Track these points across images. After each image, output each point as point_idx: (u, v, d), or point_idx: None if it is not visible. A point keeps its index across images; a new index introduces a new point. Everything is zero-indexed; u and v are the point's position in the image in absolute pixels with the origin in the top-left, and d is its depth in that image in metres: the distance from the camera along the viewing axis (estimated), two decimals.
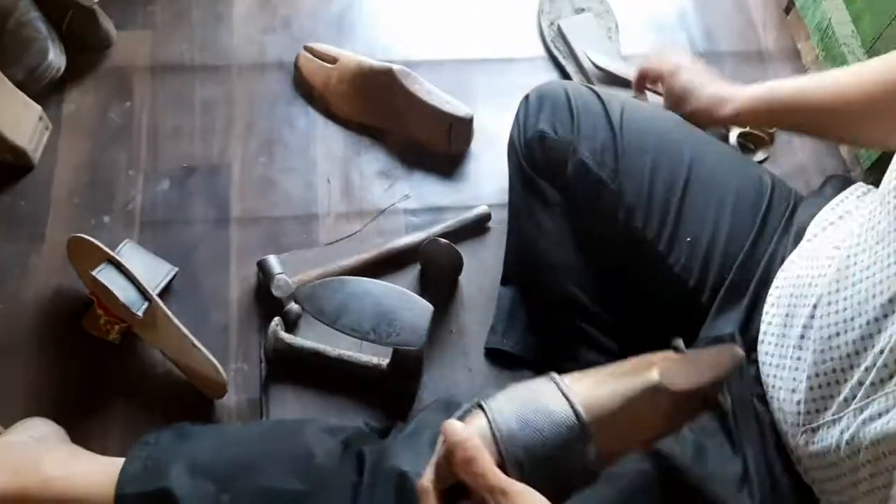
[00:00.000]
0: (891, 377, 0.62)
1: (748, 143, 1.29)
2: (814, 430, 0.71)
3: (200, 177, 1.22)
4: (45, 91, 1.23)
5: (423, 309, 0.90)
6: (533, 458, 0.56)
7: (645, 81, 1.15)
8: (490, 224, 1.20)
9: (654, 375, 0.58)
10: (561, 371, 1.05)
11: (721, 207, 0.92)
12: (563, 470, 0.57)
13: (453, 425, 0.58)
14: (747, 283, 0.85)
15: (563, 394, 0.58)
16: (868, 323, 0.65)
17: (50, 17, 1.23)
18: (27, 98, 1.18)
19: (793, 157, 1.31)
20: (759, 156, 1.29)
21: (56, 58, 1.23)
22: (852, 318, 0.67)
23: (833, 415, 0.68)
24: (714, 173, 0.96)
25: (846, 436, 0.66)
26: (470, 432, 0.58)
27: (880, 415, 0.62)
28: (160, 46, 1.32)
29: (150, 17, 1.35)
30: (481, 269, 1.17)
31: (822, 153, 1.31)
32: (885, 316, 0.64)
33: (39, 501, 0.89)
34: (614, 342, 1.02)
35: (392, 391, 1.03)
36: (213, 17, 1.36)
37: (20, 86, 1.17)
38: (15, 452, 0.93)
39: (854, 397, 0.66)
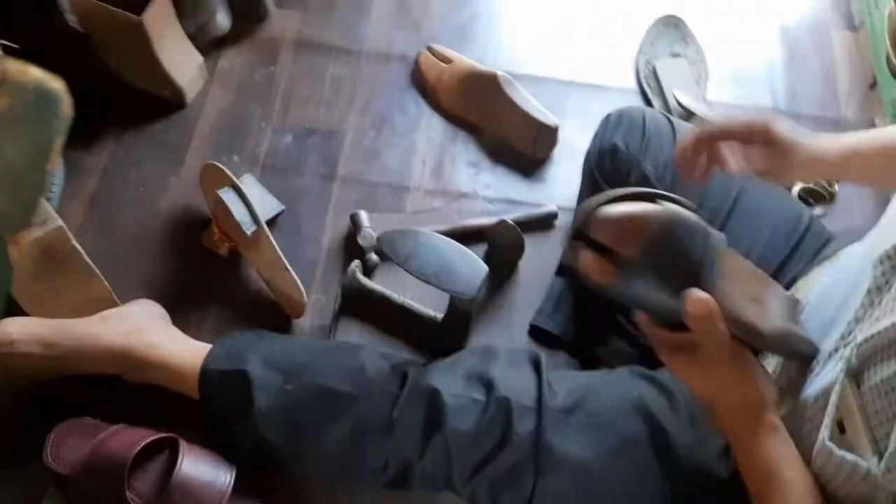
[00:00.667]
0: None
1: (808, 199, 1.39)
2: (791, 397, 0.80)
3: (318, 138, 1.42)
4: (208, 46, 1.47)
5: (479, 268, 1.06)
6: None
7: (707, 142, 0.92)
8: (556, 223, 1.35)
9: None
10: (590, 356, 1.19)
11: (759, 231, 1.03)
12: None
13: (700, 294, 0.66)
14: None
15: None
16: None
17: None
18: (193, 48, 1.42)
19: (849, 220, 1.39)
20: (818, 212, 1.38)
21: (222, 20, 1.46)
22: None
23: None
24: (758, 202, 1.07)
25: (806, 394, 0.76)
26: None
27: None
28: (307, 25, 1.55)
29: (303, 0, 1.58)
30: (540, 260, 1.31)
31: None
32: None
33: (138, 360, 1.07)
34: (645, 338, 1.14)
35: (441, 341, 1.18)
36: (356, 8, 1.58)
37: (190, 37, 1.41)
38: (130, 320, 1.13)
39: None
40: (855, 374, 0.66)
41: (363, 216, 1.31)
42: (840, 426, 0.66)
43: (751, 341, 0.69)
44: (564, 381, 0.97)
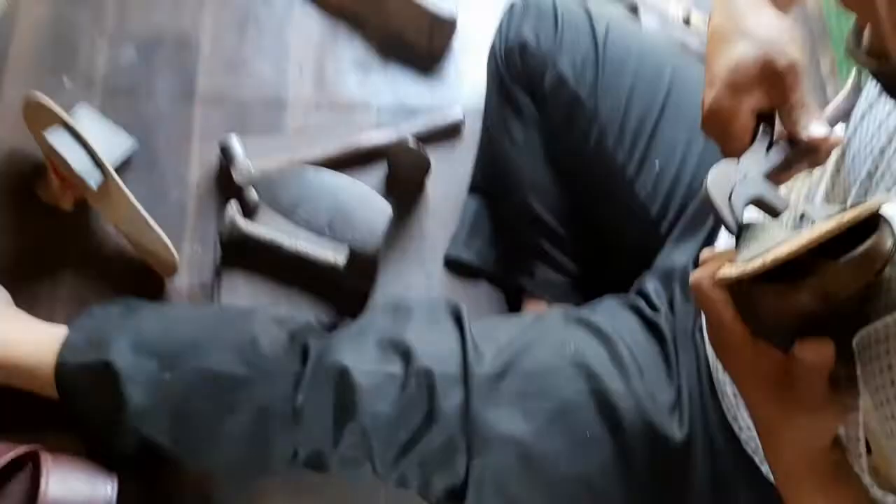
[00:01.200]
0: None
1: None
2: None
3: (168, 48, 1.17)
4: None
5: (381, 209, 0.89)
6: None
7: None
8: (463, 130, 1.18)
9: None
10: (516, 286, 1.06)
11: (693, 137, 0.90)
12: None
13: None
14: (706, 216, 0.84)
15: None
16: None
17: None
18: None
19: None
20: None
21: None
22: None
23: None
24: (692, 100, 0.93)
25: None
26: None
27: None
28: None
29: None
30: (450, 176, 1.15)
31: None
32: None
33: None
34: (573, 263, 1.02)
35: (346, 289, 1.02)
36: None
37: None
38: None
39: None
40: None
41: (235, 143, 1.09)
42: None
43: None
44: (491, 336, 0.84)
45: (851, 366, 0.47)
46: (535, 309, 1.03)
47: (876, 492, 0.53)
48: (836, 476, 0.53)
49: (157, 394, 0.84)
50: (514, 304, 1.08)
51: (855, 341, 0.47)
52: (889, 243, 0.44)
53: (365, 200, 0.89)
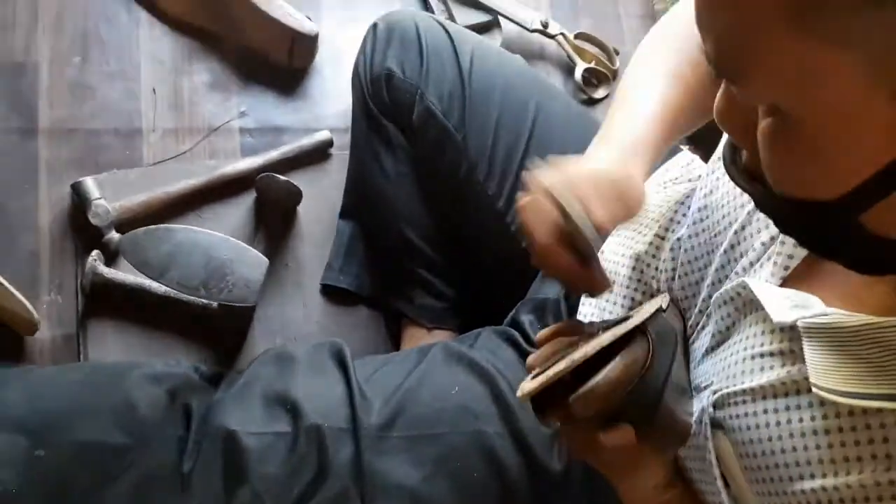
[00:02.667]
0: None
1: (592, 79, 1.31)
2: None
3: (1, 78, 1.07)
4: None
5: (257, 262, 0.87)
6: None
7: None
8: (332, 150, 1.16)
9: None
10: (394, 311, 1.07)
11: None
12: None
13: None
14: None
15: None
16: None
17: None
18: None
19: None
20: (601, 92, 1.31)
21: None
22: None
23: None
24: (558, 131, 0.97)
25: None
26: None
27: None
28: None
29: None
30: (321, 199, 1.13)
31: None
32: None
33: None
34: (450, 288, 1.04)
35: (222, 329, 1.00)
36: None
37: None
38: None
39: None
40: (718, 423, 0.60)
41: (89, 183, 1.02)
42: (725, 481, 0.60)
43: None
44: (378, 381, 0.85)
45: (655, 432, 0.58)
46: (414, 333, 1.05)
47: None
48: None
49: (30, 473, 0.79)
50: (392, 327, 1.10)
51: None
52: (638, 360, 0.56)
53: (239, 255, 0.86)
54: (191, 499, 0.80)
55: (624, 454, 0.62)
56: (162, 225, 0.87)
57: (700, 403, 0.62)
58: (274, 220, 1.08)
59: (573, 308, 0.86)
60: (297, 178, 1.09)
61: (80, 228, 1.03)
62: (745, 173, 0.48)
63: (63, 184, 1.04)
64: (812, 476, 0.52)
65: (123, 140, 1.09)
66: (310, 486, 0.79)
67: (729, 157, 0.50)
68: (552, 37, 1.28)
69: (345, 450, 0.79)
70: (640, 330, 0.58)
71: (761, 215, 0.61)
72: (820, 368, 0.50)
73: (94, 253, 0.98)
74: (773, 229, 0.59)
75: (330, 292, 1.10)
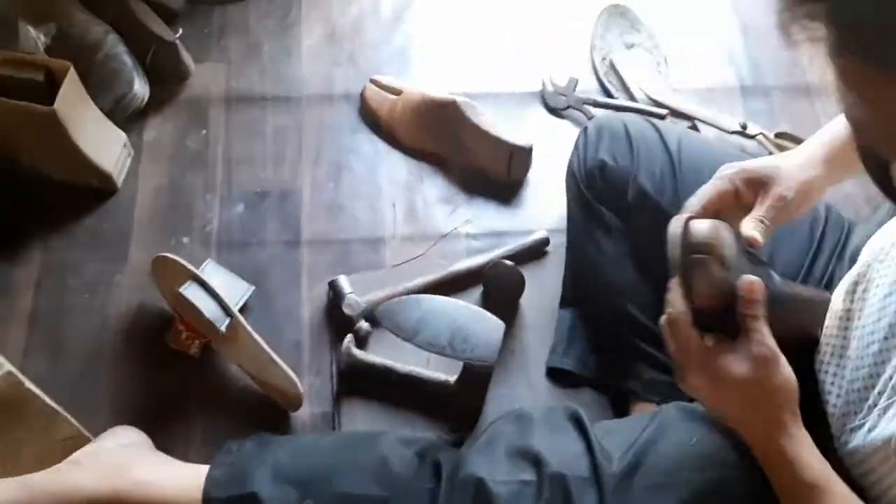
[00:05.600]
0: None
1: None
2: (851, 431, 0.74)
3: (273, 201, 1.29)
4: (130, 120, 1.31)
5: (495, 325, 0.95)
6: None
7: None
8: (548, 248, 1.25)
9: None
10: (623, 390, 1.10)
11: (778, 232, 0.96)
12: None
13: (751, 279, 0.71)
14: None
15: None
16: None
17: (134, 51, 1.31)
18: (113, 126, 1.26)
19: (840, 186, 1.34)
20: None
21: (140, 88, 1.31)
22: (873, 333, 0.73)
23: (862, 418, 0.73)
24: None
25: (871, 435, 0.70)
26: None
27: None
28: (234, 78, 1.40)
29: (223, 51, 1.43)
30: (540, 291, 1.21)
31: (868, 182, 1.34)
32: None
33: (131, 503, 0.94)
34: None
35: (459, 406, 1.07)
36: (282, 50, 1.44)
37: (108, 115, 1.25)
38: (106, 457, 0.99)
39: (876, 404, 0.71)
40: None
41: (342, 281, 1.18)
42: None
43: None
44: (614, 437, 0.87)
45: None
46: (643, 409, 1.06)
47: None
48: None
49: None
50: (619, 409, 1.11)
51: None
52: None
53: (479, 319, 0.95)
54: None
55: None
56: (412, 295, 0.98)
57: None
58: (500, 310, 1.17)
59: None
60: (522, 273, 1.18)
61: (334, 319, 1.17)
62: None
63: (321, 284, 1.20)
64: None
65: (369, 247, 1.25)
66: None
67: None
68: (752, 137, 1.33)
69: (589, 497, 0.81)
70: None
71: None
72: None
73: (348, 337, 1.12)
74: None
75: (555, 376, 1.15)
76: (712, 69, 1.47)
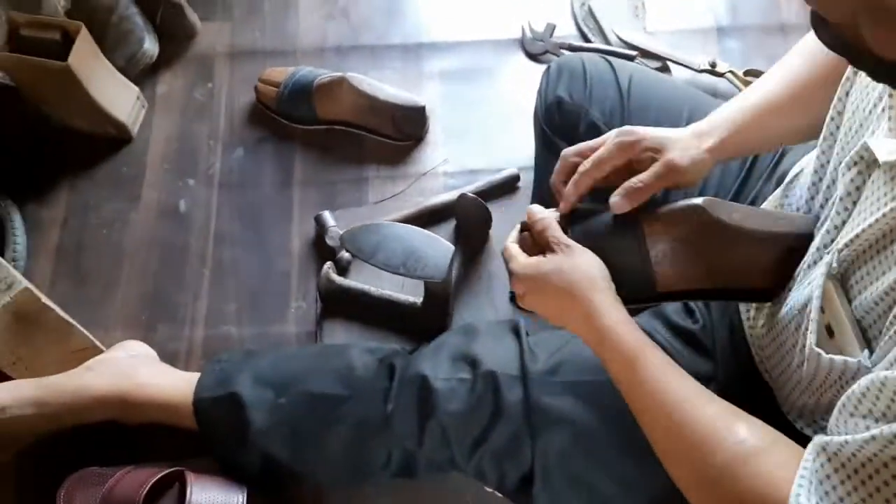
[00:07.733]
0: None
1: None
2: (771, 314, 0.80)
3: (270, 146, 1.41)
4: (142, 75, 1.45)
5: (445, 248, 1.06)
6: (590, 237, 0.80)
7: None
8: (519, 185, 1.35)
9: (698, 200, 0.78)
10: None
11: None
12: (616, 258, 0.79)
13: (535, 208, 0.86)
14: None
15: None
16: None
17: (145, 12, 1.45)
18: (127, 80, 1.40)
19: None
20: None
21: (150, 46, 1.44)
22: None
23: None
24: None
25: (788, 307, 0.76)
26: (546, 213, 0.84)
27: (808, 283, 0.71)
28: (237, 35, 1.53)
29: (228, 9, 1.56)
30: (511, 224, 1.29)
31: None
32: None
33: (131, 403, 1.08)
34: None
35: (426, 324, 1.19)
36: (283, 7, 1.55)
37: (121, 70, 1.39)
38: (115, 364, 1.13)
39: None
40: (841, 279, 0.65)
41: (327, 216, 1.30)
42: (829, 330, 0.65)
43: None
44: (545, 344, 0.97)
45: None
46: None
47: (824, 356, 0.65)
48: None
49: (274, 416, 1.02)
50: None
51: None
52: None
53: (431, 243, 1.06)
54: (392, 434, 0.97)
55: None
56: (372, 221, 1.10)
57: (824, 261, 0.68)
58: (471, 240, 1.27)
59: None
60: (490, 208, 1.28)
61: (320, 250, 1.30)
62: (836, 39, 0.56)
63: (309, 220, 1.33)
64: None
65: (353, 187, 1.37)
66: (487, 425, 0.92)
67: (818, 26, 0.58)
68: (721, 75, 1.39)
69: (515, 391, 0.92)
70: None
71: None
72: None
73: (328, 264, 1.24)
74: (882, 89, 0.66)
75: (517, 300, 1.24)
76: (690, 11, 1.51)
